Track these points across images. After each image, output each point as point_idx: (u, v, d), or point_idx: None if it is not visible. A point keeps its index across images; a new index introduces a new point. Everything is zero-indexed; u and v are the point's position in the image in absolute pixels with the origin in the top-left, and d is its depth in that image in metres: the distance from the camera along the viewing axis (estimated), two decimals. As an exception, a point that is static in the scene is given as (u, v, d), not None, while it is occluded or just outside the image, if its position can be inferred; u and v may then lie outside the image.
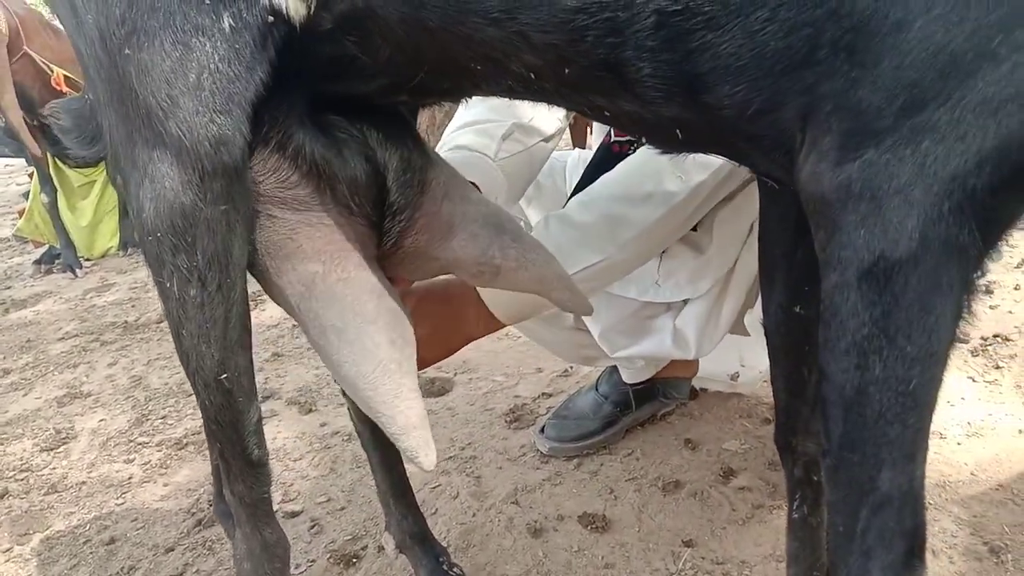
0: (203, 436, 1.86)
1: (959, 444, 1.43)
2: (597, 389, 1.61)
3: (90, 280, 3.50)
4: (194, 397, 2.02)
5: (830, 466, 0.69)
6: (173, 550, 1.46)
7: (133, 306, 3.01)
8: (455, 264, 0.89)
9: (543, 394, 1.82)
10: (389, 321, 0.81)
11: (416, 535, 1.20)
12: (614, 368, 1.60)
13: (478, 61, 0.69)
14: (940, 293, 0.61)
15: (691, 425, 1.62)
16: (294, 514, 1.51)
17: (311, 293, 0.77)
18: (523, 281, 0.89)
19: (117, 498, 1.68)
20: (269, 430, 1.88)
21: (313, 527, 1.46)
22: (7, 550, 1.54)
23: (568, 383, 1.87)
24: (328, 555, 1.37)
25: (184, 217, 0.68)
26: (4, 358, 2.65)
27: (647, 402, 1.61)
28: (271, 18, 0.67)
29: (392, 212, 0.84)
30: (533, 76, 0.68)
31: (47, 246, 3.85)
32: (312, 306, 0.77)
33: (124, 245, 3.83)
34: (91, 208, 3.81)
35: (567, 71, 0.65)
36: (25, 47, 3.30)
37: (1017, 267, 2.16)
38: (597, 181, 1.18)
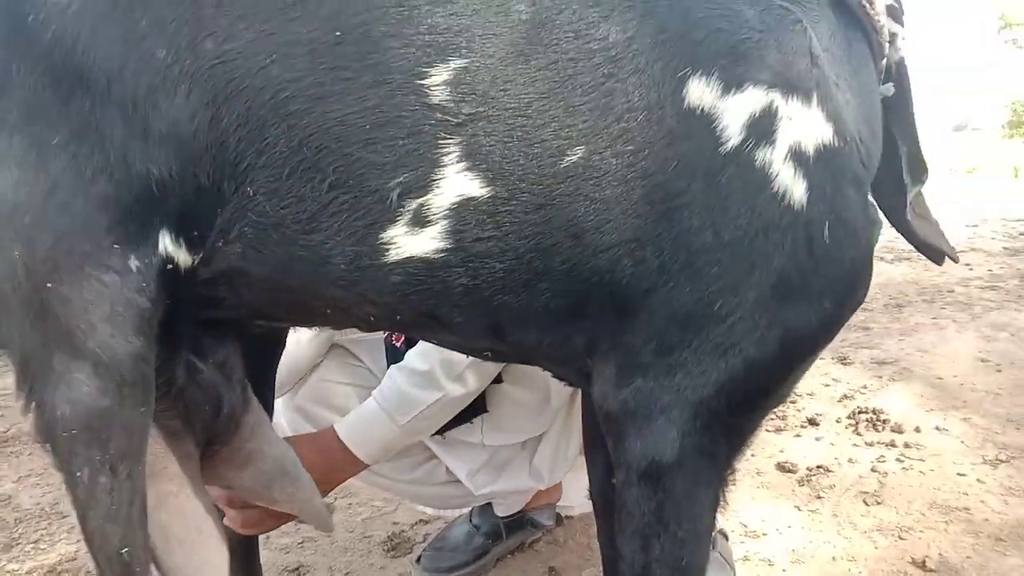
0: (79, 563, 1.87)
1: (784, 571, 1.62)
2: (471, 520, 1.74)
3: (-44, 384, 3.37)
4: (69, 519, 2.03)
5: None
6: None
7: (2, 415, 2.93)
8: (238, 488, 1.11)
9: (420, 521, 1.92)
10: (217, 536, 0.99)
11: None
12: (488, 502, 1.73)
13: (328, 308, 0.85)
14: (700, 488, 0.81)
15: (556, 553, 1.76)
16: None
17: (164, 507, 0.91)
18: (288, 509, 1.14)
19: (-18, 633, 1.66)
20: (146, 557, 1.89)
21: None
22: None
23: (444, 511, 1.98)
24: None
25: (100, 418, 0.79)
26: None
27: (516, 531, 1.75)
28: (169, 265, 0.80)
29: (208, 443, 1.02)
30: (373, 319, 0.84)
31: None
32: (162, 518, 0.91)
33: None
34: None
35: (399, 318, 0.83)
36: None
37: (839, 401, 2.45)
38: None
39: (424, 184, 0.72)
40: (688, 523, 0.82)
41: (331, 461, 1.30)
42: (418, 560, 1.69)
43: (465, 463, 1.58)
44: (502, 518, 1.73)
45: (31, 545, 2.00)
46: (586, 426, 1.04)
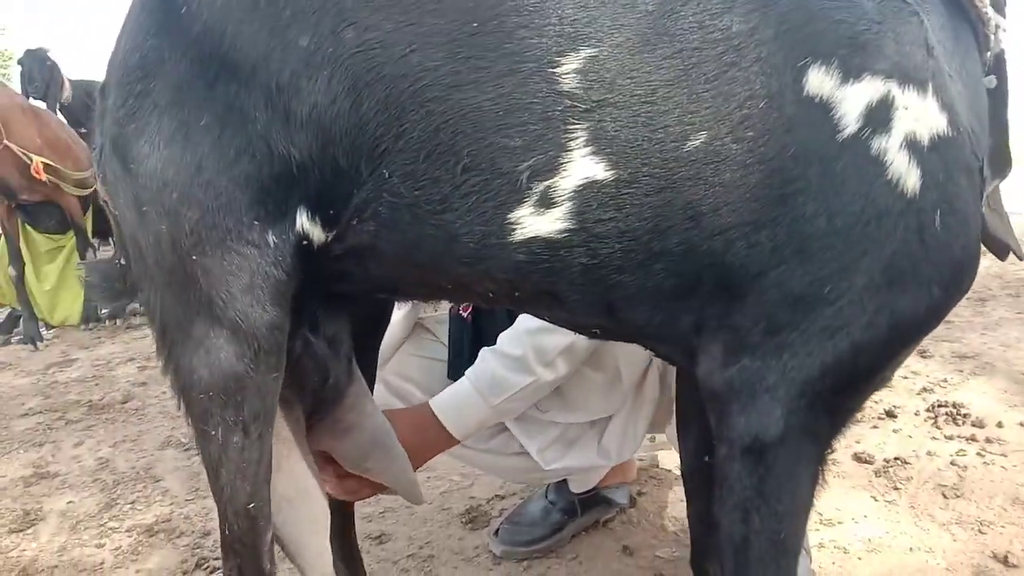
0: (173, 524, 1.98)
1: (859, 559, 1.63)
2: (547, 497, 1.79)
3: (52, 354, 3.56)
4: (162, 482, 2.13)
5: None
6: (147, 638, 1.56)
7: (97, 384, 3.09)
8: (336, 455, 1.17)
9: (496, 496, 1.98)
10: (320, 496, 1.07)
11: None
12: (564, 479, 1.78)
13: (451, 284, 0.90)
14: (801, 464, 0.84)
15: (629, 532, 1.79)
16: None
17: (276, 469, 0.98)
18: (381, 480, 1.22)
19: (89, 584, 1.77)
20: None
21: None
22: (-19, 633, 1.62)
23: (519, 486, 2.03)
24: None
25: (237, 382, 0.86)
26: (-34, 433, 2.70)
27: (591, 509, 1.80)
28: (304, 241, 0.86)
29: (313, 412, 1.09)
30: (491, 295, 0.89)
31: (7, 312, 3.89)
32: (274, 479, 0.97)
33: (86, 319, 3.90)
34: (55, 273, 3.90)
35: (517, 294, 0.87)
36: (5, 140, 3.42)
37: (918, 394, 2.43)
38: (519, 318, 1.43)
39: (552, 167, 0.76)
40: (788, 498, 0.84)
41: (425, 437, 1.37)
42: (495, 533, 1.75)
43: (535, 438, 1.62)
44: (577, 495, 1.77)
45: (128, 505, 2.12)
46: (680, 405, 1.07)
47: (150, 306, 0.94)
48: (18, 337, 3.74)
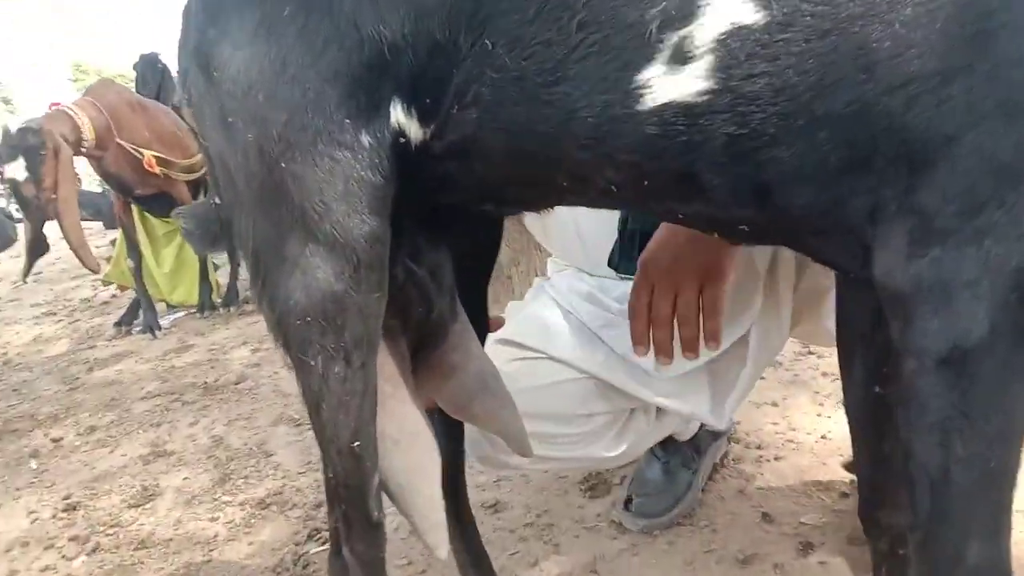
0: (284, 497, 1.94)
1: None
2: (658, 457, 1.64)
3: (169, 341, 3.65)
4: (274, 457, 2.10)
5: (918, 540, 0.73)
6: (260, 609, 1.51)
7: (212, 367, 3.13)
8: (441, 398, 1.06)
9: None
10: (430, 439, 0.96)
11: (470, 562, 1.25)
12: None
13: (567, 179, 0.76)
14: (1013, 375, 0.66)
15: (768, 498, 1.63)
16: (377, 576, 1.55)
17: (379, 407, 0.87)
18: (487, 428, 1.12)
19: (203, 556, 1.74)
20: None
21: (397, 589, 1.50)
22: (101, 603, 1.61)
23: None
24: (413, 618, 1.41)
25: (336, 303, 0.76)
26: (90, 415, 2.78)
27: (705, 449, 1.67)
28: (401, 139, 0.75)
29: (415, 349, 0.99)
30: (615, 188, 0.75)
31: (129, 304, 4.02)
32: (378, 418, 0.87)
33: (201, 308, 3.99)
34: (173, 256, 4.01)
35: (646, 183, 0.72)
36: (117, 139, 3.51)
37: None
38: None
39: (687, 12, 0.62)
40: (999, 417, 0.67)
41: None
42: (626, 507, 1.61)
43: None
44: (685, 444, 1.63)
45: (242, 480, 2.11)
46: (843, 327, 0.91)
47: (242, 234, 0.85)
48: (138, 328, 3.86)
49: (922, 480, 0.70)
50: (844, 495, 1.61)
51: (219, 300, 4.01)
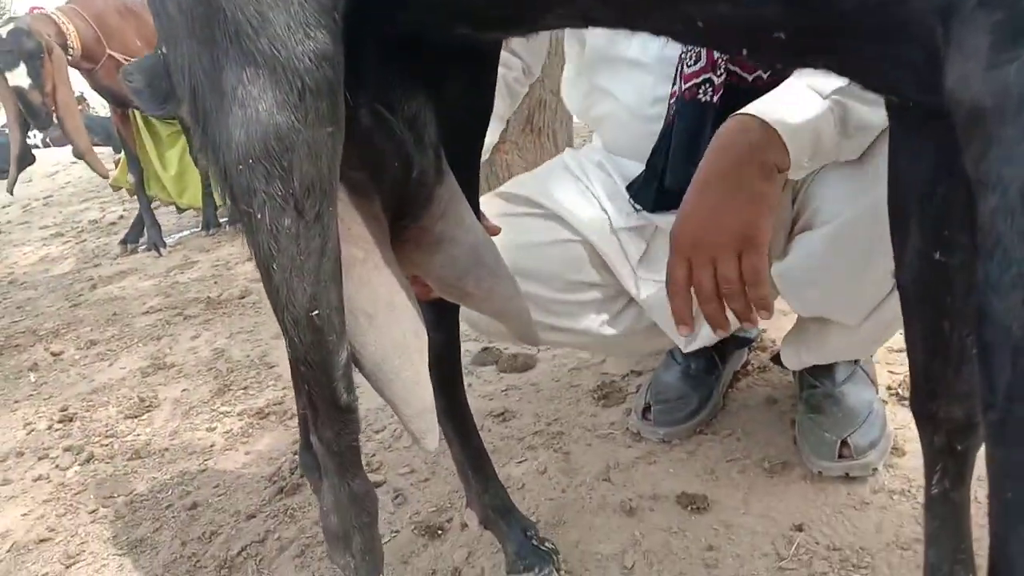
0: (285, 406, 1.85)
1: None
2: (677, 360, 1.52)
3: (174, 259, 3.56)
4: (275, 368, 2.00)
5: (995, 421, 0.59)
6: (255, 517, 1.43)
7: (215, 283, 3.04)
8: (428, 275, 0.92)
9: (632, 372, 1.73)
10: (412, 314, 0.82)
11: (499, 508, 1.14)
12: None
13: None
14: None
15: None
16: (377, 484, 1.46)
17: (347, 275, 0.74)
18: (485, 309, 0.97)
19: (199, 465, 1.66)
20: (349, 402, 1.85)
21: (397, 498, 1.41)
22: (92, 511, 1.54)
23: (657, 360, 1.78)
24: (412, 526, 1.32)
25: (279, 140, 0.63)
26: (91, 330, 2.70)
27: (729, 355, 1.56)
28: None
29: (397, 216, 0.85)
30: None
31: (132, 221, 3.91)
32: (347, 288, 0.74)
33: (206, 225, 3.89)
34: (177, 157, 3.88)
35: None
36: (108, 51, 3.33)
37: None
38: None
39: None
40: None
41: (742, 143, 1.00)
42: (644, 416, 1.49)
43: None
44: (708, 348, 1.49)
45: (241, 391, 2.02)
46: (894, 186, 0.76)
47: (179, 74, 0.72)
48: (143, 246, 3.77)
49: (1001, 346, 0.56)
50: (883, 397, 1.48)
51: (226, 219, 3.90)
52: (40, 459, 1.81)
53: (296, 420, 1.77)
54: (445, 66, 0.83)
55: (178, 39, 0.69)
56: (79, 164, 3.87)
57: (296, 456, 1.62)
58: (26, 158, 3.31)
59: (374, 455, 1.56)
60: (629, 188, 1.27)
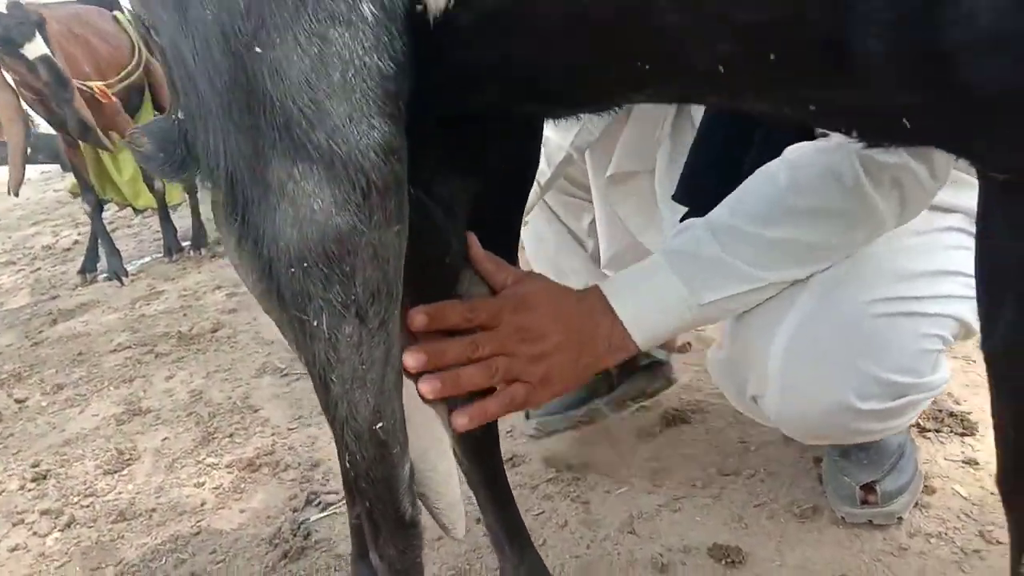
0: (276, 456, 1.76)
1: None
2: None
3: (138, 288, 3.41)
4: (260, 412, 1.90)
5: None
6: (260, 588, 1.35)
7: (185, 315, 2.91)
8: None
9: (642, 406, 1.68)
10: (442, 406, 0.82)
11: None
12: None
13: (650, 58, 0.56)
14: None
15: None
16: (387, 546, 1.38)
17: None
18: None
19: (191, 527, 1.57)
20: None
21: (411, 561, 1.34)
22: (80, 586, 1.44)
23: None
24: (432, 592, 1.25)
25: (340, 243, 0.56)
26: (56, 372, 2.56)
27: (630, 375, 1.54)
28: (417, 5, 0.54)
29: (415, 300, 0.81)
30: (723, 69, 0.54)
31: (85, 253, 3.74)
32: None
33: (168, 251, 3.74)
34: (132, 161, 3.71)
35: (773, 57, 0.52)
36: (75, 83, 3.16)
37: None
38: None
39: None
40: None
41: (595, 329, 0.93)
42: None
43: None
44: None
45: (227, 439, 1.92)
46: (986, 254, 0.72)
47: (210, 155, 0.64)
48: (104, 274, 3.61)
49: None
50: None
51: (188, 243, 3.75)
52: (15, 525, 1.69)
53: (292, 474, 1.69)
54: (489, 139, 0.77)
55: (210, 119, 0.62)
56: (25, 184, 3.65)
57: (295, 514, 1.54)
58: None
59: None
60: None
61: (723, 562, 1.20)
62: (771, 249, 0.92)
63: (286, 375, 2.23)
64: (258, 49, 0.54)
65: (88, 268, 3.66)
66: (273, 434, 1.89)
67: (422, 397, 0.77)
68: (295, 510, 1.55)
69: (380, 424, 0.62)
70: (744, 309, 0.98)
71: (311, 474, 1.68)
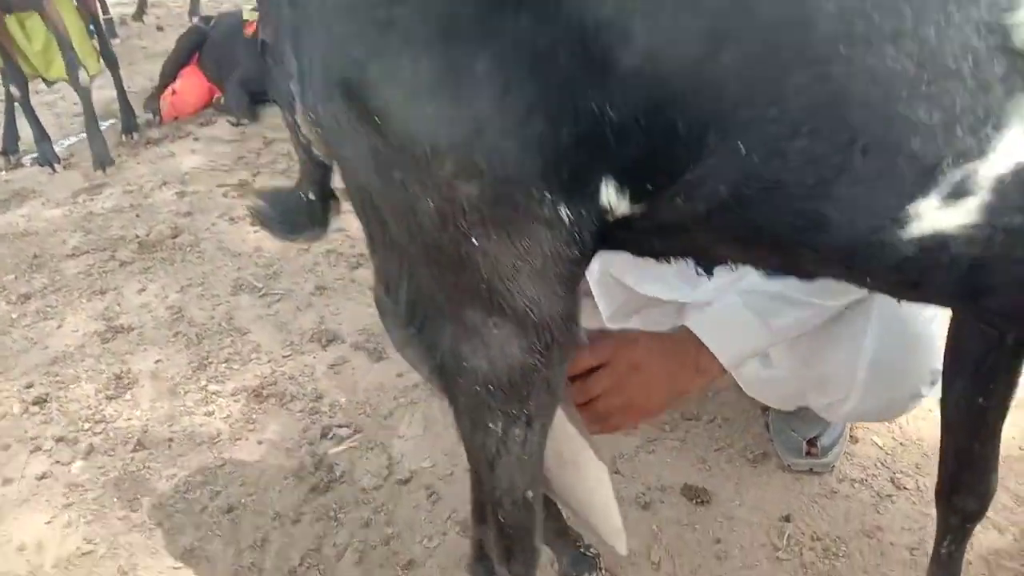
0: (279, 387, 1.92)
1: None
2: None
3: (73, 177, 3.31)
4: (249, 336, 2.02)
5: None
6: (299, 521, 1.54)
7: (138, 216, 2.90)
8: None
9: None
10: (598, 452, 1.01)
11: (555, 530, 1.34)
12: None
13: (786, 265, 0.75)
14: None
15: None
16: (405, 481, 1.61)
17: (553, 433, 0.88)
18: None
19: (214, 458, 1.73)
20: (345, 380, 1.94)
21: (431, 496, 1.57)
22: (122, 517, 1.59)
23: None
24: (456, 527, 1.49)
25: (523, 376, 0.74)
26: (16, 278, 2.55)
27: None
28: (604, 214, 0.70)
29: None
30: (833, 279, 0.75)
31: (2, 123, 3.54)
32: (553, 443, 0.89)
33: (102, 164, 3.42)
34: (42, 29, 3.53)
35: (869, 280, 0.72)
36: None
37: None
38: None
39: (978, 149, 0.59)
40: None
41: (685, 357, 1.17)
42: None
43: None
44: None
45: (223, 364, 2.06)
46: (953, 348, 0.97)
47: (388, 271, 0.79)
48: (29, 157, 3.47)
49: None
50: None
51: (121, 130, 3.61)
52: (32, 452, 1.80)
53: (299, 405, 1.86)
54: None
55: (400, 253, 0.76)
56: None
57: (312, 447, 1.73)
58: None
59: (391, 447, 1.70)
60: None
61: (694, 501, 1.50)
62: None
63: (264, 295, 2.34)
64: (474, 240, 0.69)
65: (9, 148, 3.50)
66: (269, 361, 2.04)
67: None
68: (311, 443, 1.74)
69: (530, 491, 0.82)
70: (812, 327, 1.22)
71: (318, 405, 1.86)
